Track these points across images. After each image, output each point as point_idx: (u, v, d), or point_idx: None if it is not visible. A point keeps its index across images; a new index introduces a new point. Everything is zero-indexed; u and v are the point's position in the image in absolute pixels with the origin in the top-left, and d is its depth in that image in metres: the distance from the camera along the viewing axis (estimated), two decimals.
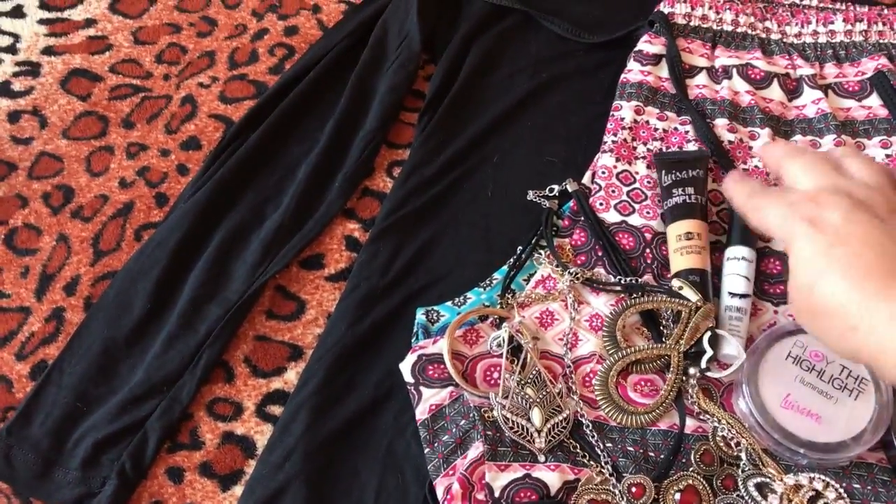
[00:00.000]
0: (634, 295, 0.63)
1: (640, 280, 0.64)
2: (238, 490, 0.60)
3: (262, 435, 0.63)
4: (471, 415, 0.57)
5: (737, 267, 0.63)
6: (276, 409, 0.64)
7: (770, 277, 0.65)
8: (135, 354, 0.65)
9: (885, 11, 0.78)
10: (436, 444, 0.57)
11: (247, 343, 0.67)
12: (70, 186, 0.76)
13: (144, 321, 0.66)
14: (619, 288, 0.64)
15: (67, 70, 0.84)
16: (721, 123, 0.72)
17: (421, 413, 0.58)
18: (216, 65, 0.85)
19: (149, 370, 0.64)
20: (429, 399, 0.59)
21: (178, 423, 0.63)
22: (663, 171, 0.68)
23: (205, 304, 0.67)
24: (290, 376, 0.65)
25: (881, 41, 0.76)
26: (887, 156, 0.70)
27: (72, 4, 0.90)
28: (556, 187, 0.71)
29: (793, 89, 0.75)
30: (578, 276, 0.64)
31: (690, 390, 0.59)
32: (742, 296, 0.62)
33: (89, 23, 0.88)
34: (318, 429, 0.60)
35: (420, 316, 0.64)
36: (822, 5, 0.81)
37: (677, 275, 0.63)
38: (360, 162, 0.74)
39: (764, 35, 0.78)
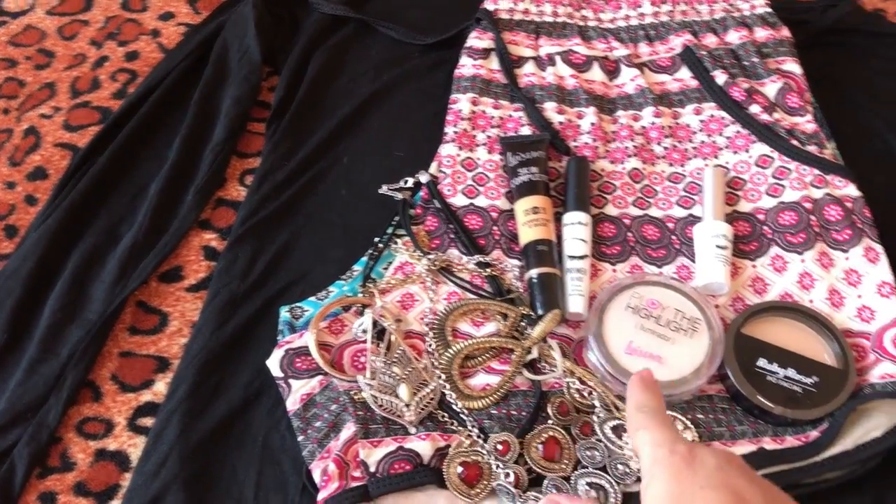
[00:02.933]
0: (467, 298, 0.66)
1: (488, 258, 0.68)
2: None
3: (135, 447, 0.62)
4: (341, 399, 0.59)
5: (574, 231, 0.68)
6: (149, 421, 0.64)
7: (606, 240, 0.70)
8: None
9: None
10: (309, 431, 0.59)
11: (112, 360, 0.67)
12: None
13: (3, 352, 0.65)
14: (471, 266, 0.67)
15: None
16: (550, 107, 0.77)
17: (292, 404, 0.60)
18: (57, 95, 0.84)
19: (11, 398, 0.62)
20: (299, 390, 0.60)
21: (47, 447, 0.62)
22: (509, 153, 0.73)
23: (65, 326, 0.66)
24: (160, 387, 0.65)
25: (685, 19, 0.84)
26: (701, 121, 0.77)
27: None
28: (410, 179, 0.74)
29: (612, 70, 0.81)
30: (435, 262, 0.67)
31: (548, 352, 0.63)
32: (581, 257, 0.66)
33: None
34: (192, 433, 0.61)
35: (284, 313, 0.65)
36: None
37: (527, 246, 0.67)
38: (210, 174, 0.75)
39: (582, 23, 0.84)
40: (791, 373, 0.61)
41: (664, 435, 0.47)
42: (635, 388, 0.53)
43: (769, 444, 0.59)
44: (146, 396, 0.65)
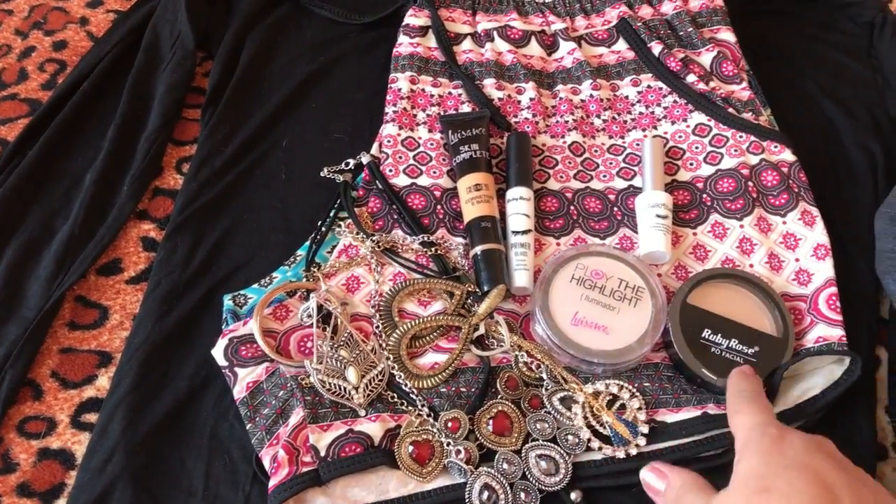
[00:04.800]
0: (413, 279, 0.66)
1: (432, 237, 0.68)
2: (62, 503, 0.59)
3: (80, 444, 0.61)
4: (288, 385, 0.59)
5: (517, 207, 0.68)
6: (92, 417, 0.62)
7: (549, 214, 0.70)
8: None
9: None
10: (257, 419, 0.58)
11: (52, 357, 0.65)
12: None
13: None
14: (416, 246, 0.67)
15: None
16: (489, 83, 0.77)
17: (239, 392, 0.59)
18: None
19: None
20: (245, 378, 0.60)
21: None
22: (450, 132, 0.72)
23: (1, 325, 0.64)
24: (103, 382, 0.64)
25: None
26: (639, 92, 0.77)
27: None
28: (351, 161, 0.74)
29: (550, 44, 0.81)
30: (379, 244, 0.67)
31: (495, 327, 0.63)
32: (524, 232, 0.66)
33: None
34: (137, 426, 0.60)
35: (227, 302, 0.65)
36: None
37: (470, 223, 0.67)
38: (146, 163, 0.74)
39: None
40: (734, 343, 0.62)
41: (759, 418, 0.50)
42: (735, 377, 0.56)
43: (713, 409, 0.60)
44: (89, 392, 0.64)
